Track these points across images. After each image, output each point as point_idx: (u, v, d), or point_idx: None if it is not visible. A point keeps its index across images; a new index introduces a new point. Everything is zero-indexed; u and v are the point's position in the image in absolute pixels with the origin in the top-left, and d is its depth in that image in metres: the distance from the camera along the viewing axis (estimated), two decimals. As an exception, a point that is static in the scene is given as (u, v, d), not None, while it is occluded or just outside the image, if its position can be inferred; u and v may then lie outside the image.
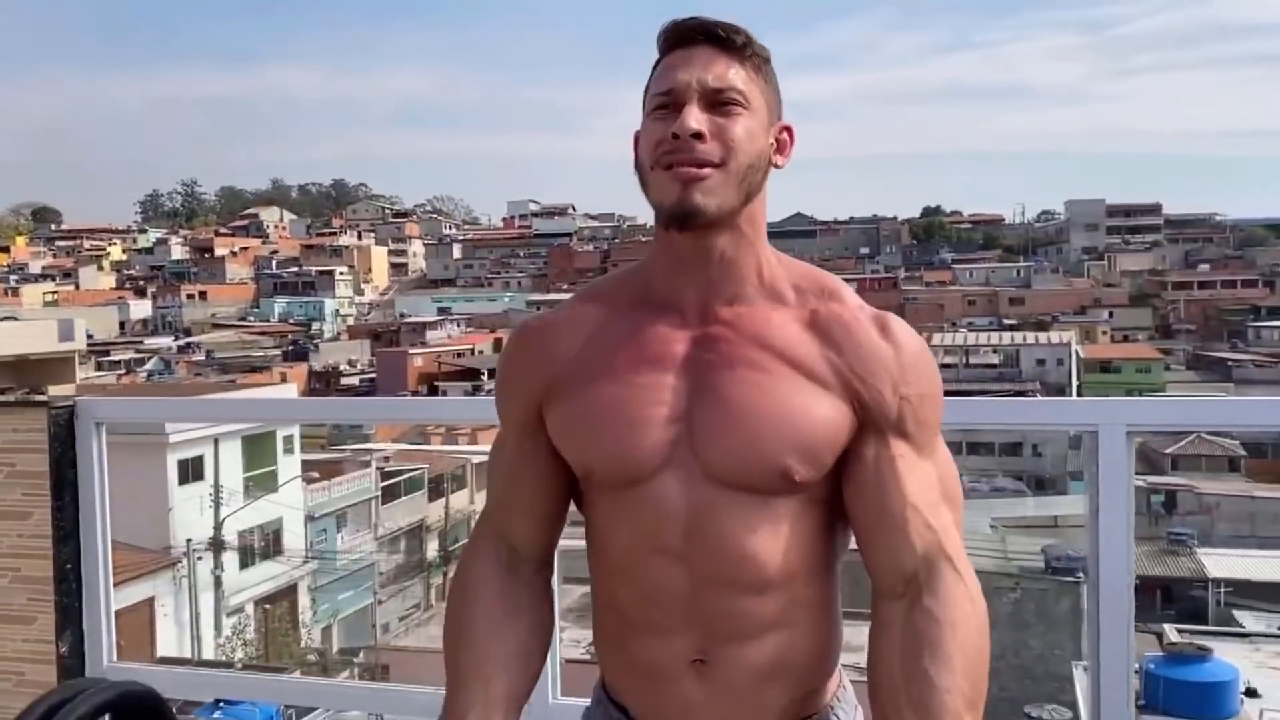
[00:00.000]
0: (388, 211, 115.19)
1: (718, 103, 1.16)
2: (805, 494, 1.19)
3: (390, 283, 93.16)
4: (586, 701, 1.40)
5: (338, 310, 76.96)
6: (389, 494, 27.95)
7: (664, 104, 1.18)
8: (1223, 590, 22.91)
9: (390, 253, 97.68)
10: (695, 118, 1.15)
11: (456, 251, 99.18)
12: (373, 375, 51.23)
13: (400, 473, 28.96)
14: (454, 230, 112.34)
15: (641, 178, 1.21)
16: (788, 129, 1.23)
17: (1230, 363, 54.88)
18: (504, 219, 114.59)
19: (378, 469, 28.16)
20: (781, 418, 1.16)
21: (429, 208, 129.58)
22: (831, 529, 1.23)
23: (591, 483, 1.24)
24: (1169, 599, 22.42)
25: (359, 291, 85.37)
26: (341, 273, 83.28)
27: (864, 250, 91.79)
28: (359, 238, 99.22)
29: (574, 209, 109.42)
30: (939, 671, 1.11)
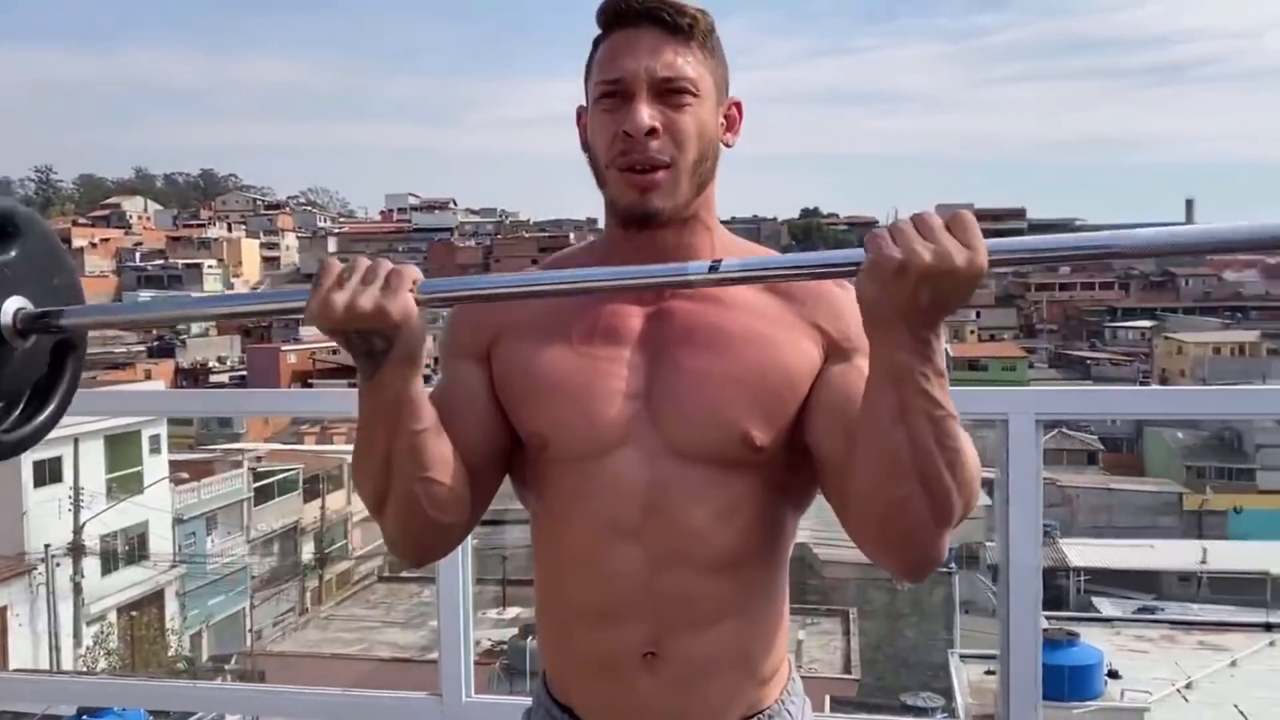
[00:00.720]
0: (259, 203, 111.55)
1: (667, 91, 1.13)
2: (763, 473, 1.16)
3: (262, 276, 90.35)
4: (500, 699, 1.33)
5: (207, 305, 74.28)
6: (262, 495, 27.17)
7: (611, 93, 1.14)
8: (1082, 578, 24.06)
9: (262, 245, 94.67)
10: (647, 114, 1.12)
11: (332, 245, 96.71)
12: (243, 372, 49.66)
13: (274, 473, 28.17)
14: (329, 223, 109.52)
15: (595, 169, 1.19)
16: (736, 104, 1.21)
17: (1089, 361, 57.88)
18: (382, 212, 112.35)
19: (250, 469, 27.33)
20: (741, 380, 1.13)
21: (303, 200, 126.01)
22: (784, 517, 1.20)
23: (545, 456, 1.18)
24: (1033, 587, 23.40)
25: (229, 285, 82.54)
26: (210, 266, 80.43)
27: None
28: (229, 230, 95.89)
29: (455, 203, 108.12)
30: (947, 463, 1.01)
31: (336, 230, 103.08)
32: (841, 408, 1.11)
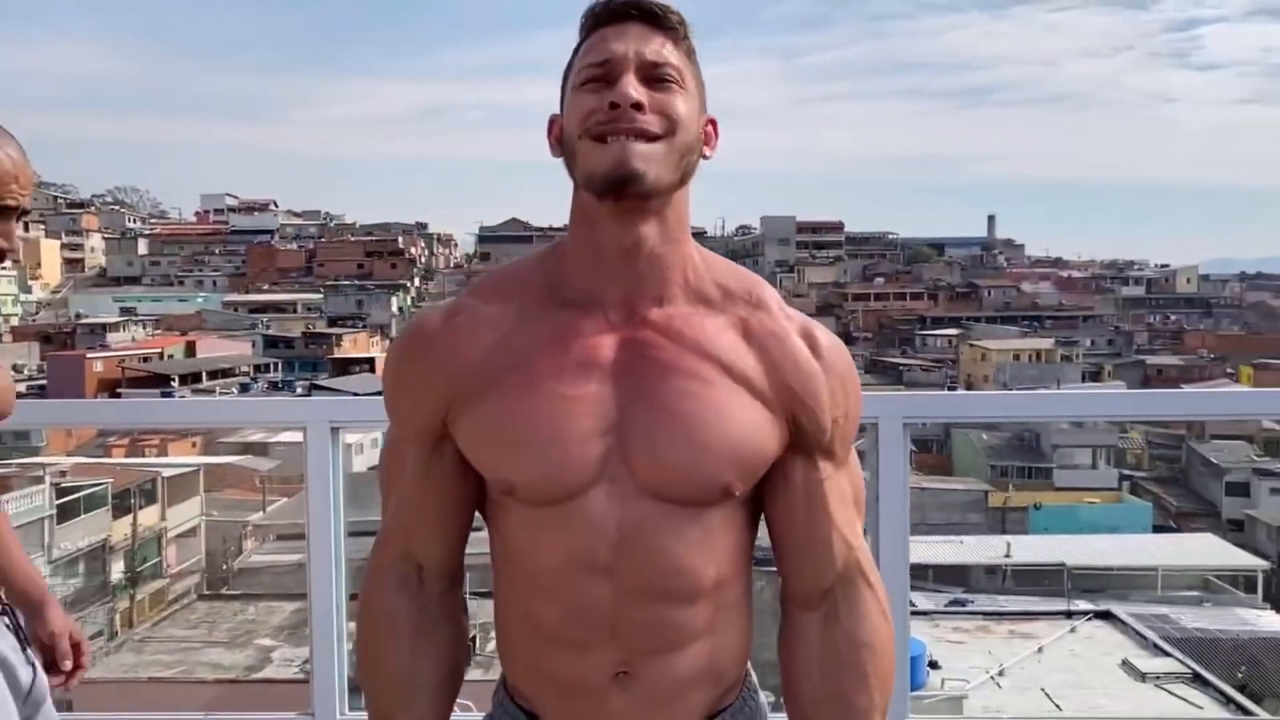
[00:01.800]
0: (61, 201, 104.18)
1: (655, 78, 1.11)
2: (733, 506, 1.17)
3: (64, 279, 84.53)
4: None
5: (-1, 309, 68.94)
6: (65, 512, 25.34)
7: (597, 76, 1.11)
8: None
9: (64, 246, 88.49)
10: (635, 87, 1.09)
11: (143, 247, 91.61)
12: (43, 382, 46.28)
13: (79, 488, 26.33)
14: (139, 224, 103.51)
15: (567, 152, 1.14)
16: (712, 121, 1.19)
17: (901, 367, 60.83)
18: (197, 213, 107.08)
19: (52, 484, 25.46)
20: (724, 431, 1.12)
21: (110, 198, 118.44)
22: (750, 528, 1.22)
23: (511, 499, 1.15)
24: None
25: (25, 289, 76.80)
26: (4, 268, 74.57)
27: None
28: (26, 229, 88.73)
29: (275, 205, 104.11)
30: (858, 693, 1.19)
31: (148, 231, 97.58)
32: (795, 509, 1.19)
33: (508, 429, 1.12)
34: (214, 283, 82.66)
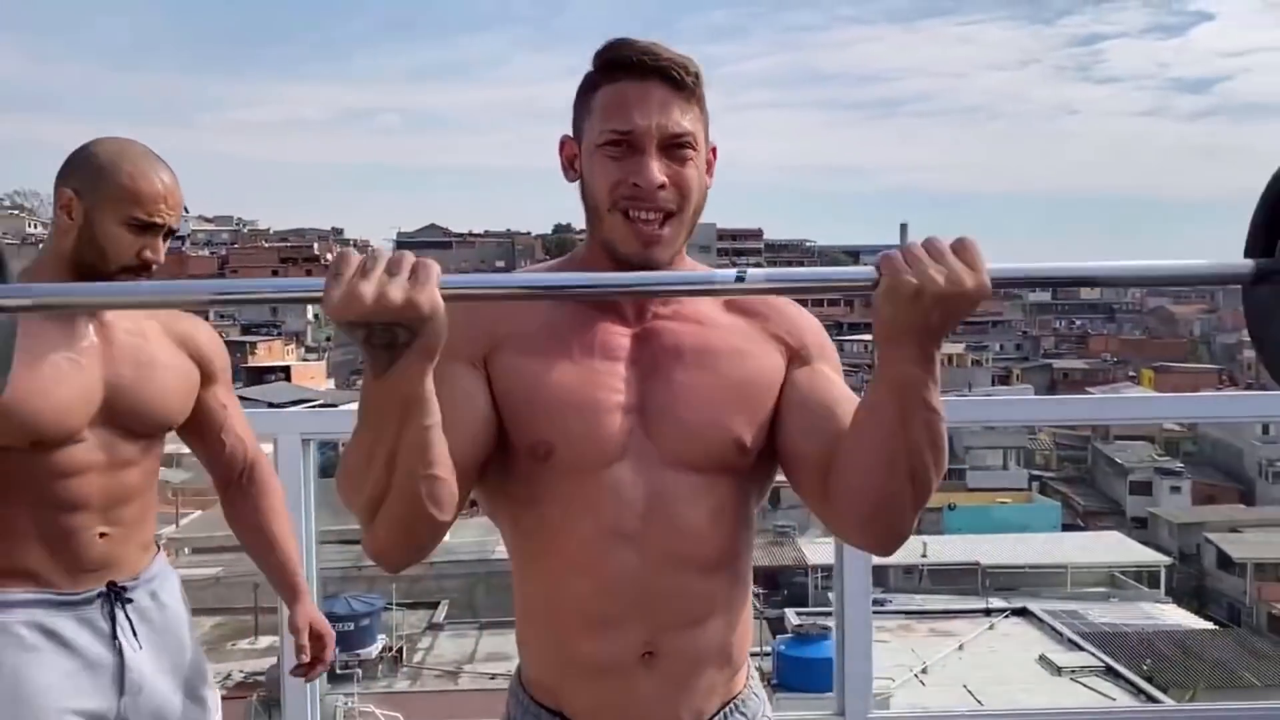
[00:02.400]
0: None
1: (674, 146, 1.20)
2: (742, 475, 1.25)
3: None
4: None
5: (-111, 317, 65.73)
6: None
7: (619, 142, 1.19)
8: (819, 575, 25.57)
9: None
10: (658, 169, 1.19)
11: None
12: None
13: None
14: (40, 229, 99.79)
15: (592, 209, 1.23)
16: (713, 149, 1.28)
17: (820, 372, 61.52)
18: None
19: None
20: (729, 387, 1.23)
21: (8, 203, 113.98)
22: (753, 513, 1.30)
23: (546, 465, 1.20)
24: (775, 585, 24.64)
25: (-82, 296, 73.36)
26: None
27: (499, 263, 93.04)
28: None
29: (187, 210, 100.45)
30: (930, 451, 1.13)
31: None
32: (810, 407, 1.24)
33: (547, 393, 1.20)
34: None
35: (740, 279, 1.05)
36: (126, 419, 1.66)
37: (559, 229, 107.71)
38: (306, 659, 1.86)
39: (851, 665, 2.27)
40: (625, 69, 1.21)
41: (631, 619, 1.21)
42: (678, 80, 1.21)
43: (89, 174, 1.62)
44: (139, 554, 1.72)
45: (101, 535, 1.65)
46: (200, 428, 1.82)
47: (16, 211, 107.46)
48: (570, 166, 1.27)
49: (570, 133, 1.27)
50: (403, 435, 1.04)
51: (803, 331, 1.30)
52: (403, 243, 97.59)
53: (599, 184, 1.22)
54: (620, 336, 1.24)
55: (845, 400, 1.24)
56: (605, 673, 1.22)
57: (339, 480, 1.12)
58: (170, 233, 1.67)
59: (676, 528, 1.21)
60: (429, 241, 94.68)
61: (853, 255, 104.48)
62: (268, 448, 2.26)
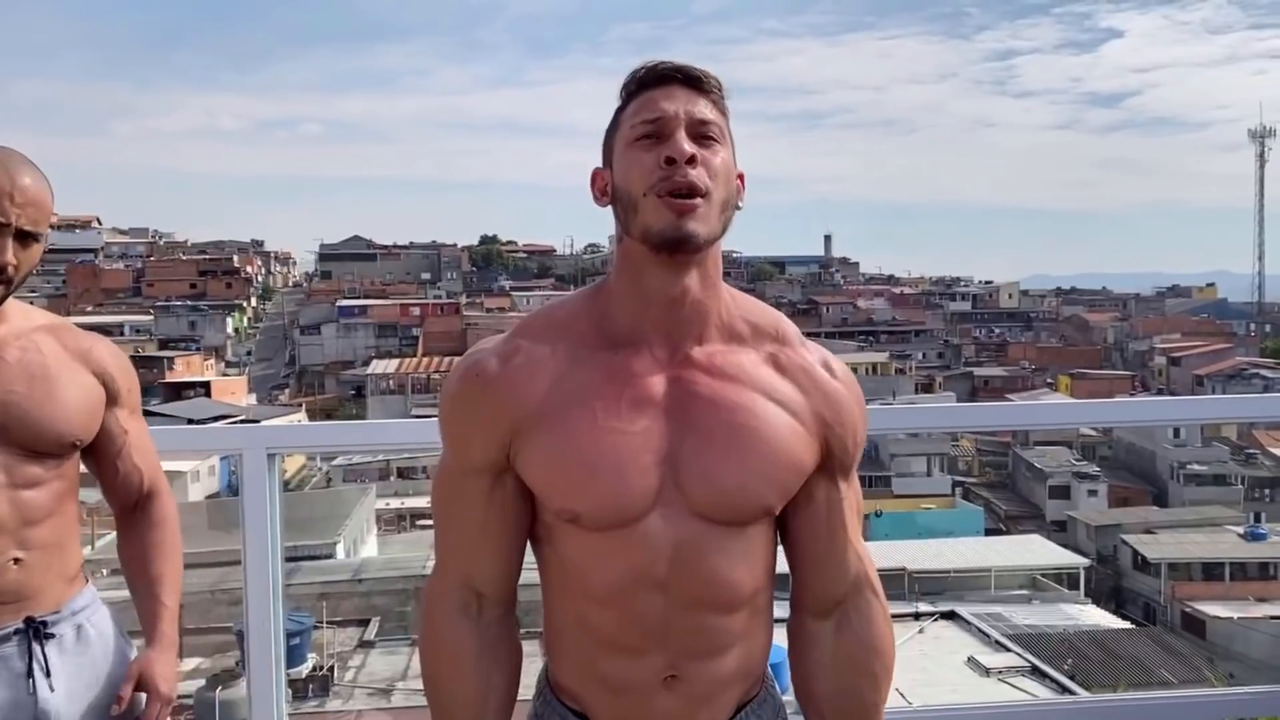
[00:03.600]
0: None
1: (700, 135, 1.22)
2: (767, 522, 1.30)
3: None
4: None
5: None
6: None
7: (650, 133, 1.22)
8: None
9: None
10: (686, 142, 1.20)
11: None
12: None
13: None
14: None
15: (626, 205, 1.24)
16: (741, 175, 1.29)
17: (748, 382, 61.96)
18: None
19: None
20: (767, 456, 1.24)
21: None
22: (774, 543, 1.34)
23: (574, 525, 1.24)
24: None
25: None
26: None
27: (425, 275, 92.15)
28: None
29: (99, 222, 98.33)
30: (869, 690, 1.36)
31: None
32: (818, 525, 1.33)
33: (573, 462, 1.21)
34: (30, 304, 77.32)
35: None
36: (24, 436, 1.57)
37: (485, 240, 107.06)
38: (119, 710, 1.62)
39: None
40: (649, 83, 1.25)
41: (654, 650, 1.25)
42: (700, 81, 1.25)
43: None
44: (61, 585, 1.63)
45: (15, 561, 1.56)
46: (97, 451, 1.72)
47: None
48: (602, 194, 1.28)
49: (600, 165, 1.30)
50: None
51: (843, 426, 1.30)
52: (325, 254, 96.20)
53: (632, 174, 1.22)
54: (651, 385, 1.24)
55: (847, 536, 1.34)
56: (629, 690, 1.27)
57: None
58: (28, 236, 1.56)
59: (702, 575, 1.24)
60: (353, 253, 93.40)
61: (778, 266, 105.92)
62: (210, 483, 2.20)
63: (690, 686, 1.26)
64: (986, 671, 13.62)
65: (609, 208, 1.28)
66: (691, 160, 1.20)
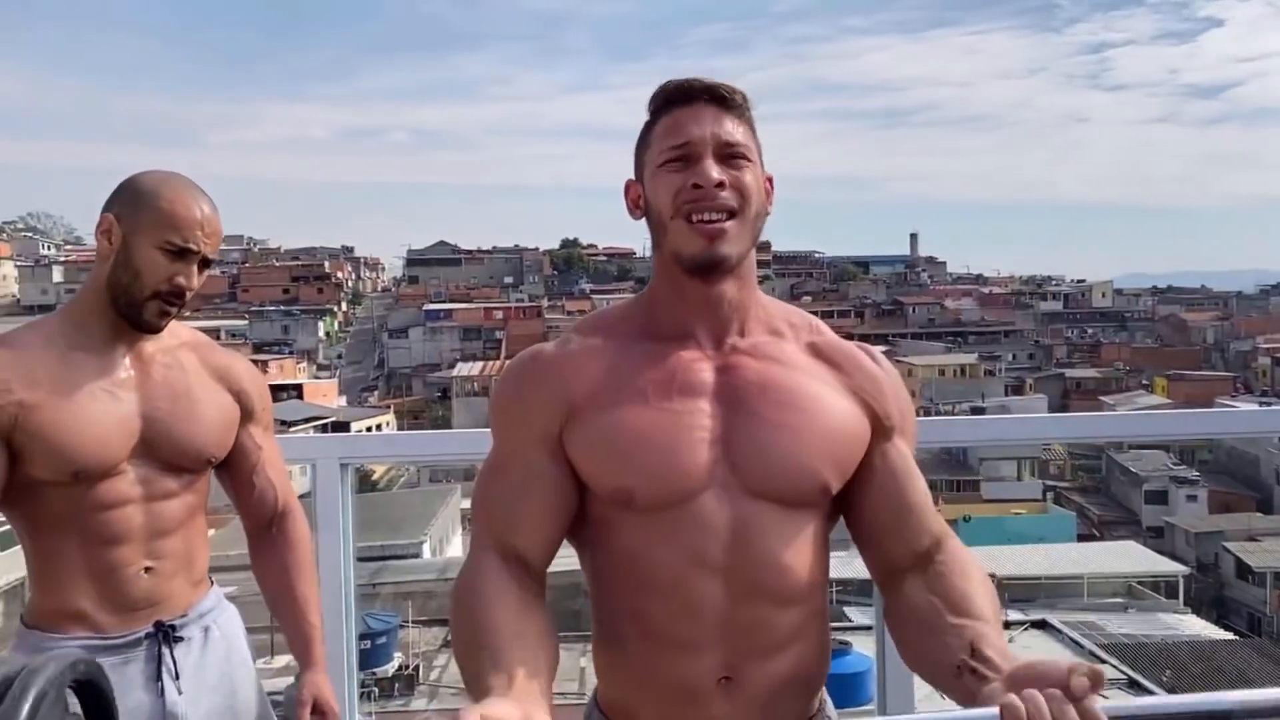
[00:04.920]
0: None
1: (728, 156, 1.24)
2: (821, 509, 1.27)
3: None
4: None
5: (-96, 340, 66.23)
6: (8, 539, 24.47)
7: (678, 156, 1.24)
8: (834, 589, 25.46)
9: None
10: (714, 168, 1.23)
11: (57, 274, 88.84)
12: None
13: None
14: (54, 251, 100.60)
15: (657, 225, 1.27)
16: (769, 178, 1.31)
17: (832, 384, 61.42)
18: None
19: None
20: (819, 433, 1.25)
21: (21, 225, 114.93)
22: (827, 540, 1.31)
23: (627, 505, 1.23)
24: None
25: (-68, 318, 74.00)
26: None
27: (508, 279, 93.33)
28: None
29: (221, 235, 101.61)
30: (972, 587, 1.20)
31: (62, 259, 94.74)
32: (887, 486, 1.29)
33: (625, 440, 1.22)
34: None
35: None
36: (165, 452, 1.64)
37: (566, 243, 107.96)
38: None
39: (894, 677, 2.24)
40: (676, 101, 1.27)
41: (711, 645, 1.22)
42: (726, 99, 1.26)
43: (129, 200, 1.62)
44: (188, 589, 1.68)
45: (146, 570, 1.62)
46: (232, 467, 1.77)
47: (30, 234, 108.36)
48: (635, 206, 1.31)
49: (633, 177, 1.32)
50: None
51: (885, 398, 1.31)
52: (413, 259, 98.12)
53: (662, 198, 1.25)
54: (701, 370, 1.26)
55: (918, 489, 1.30)
56: (682, 696, 1.23)
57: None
58: (206, 262, 1.66)
59: (759, 559, 1.22)
60: (438, 258, 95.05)
61: (862, 266, 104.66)
62: (302, 481, 2.24)
63: (746, 691, 1.23)
64: (1079, 683, 13.27)
65: (643, 220, 1.31)
66: (720, 185, 1.22)
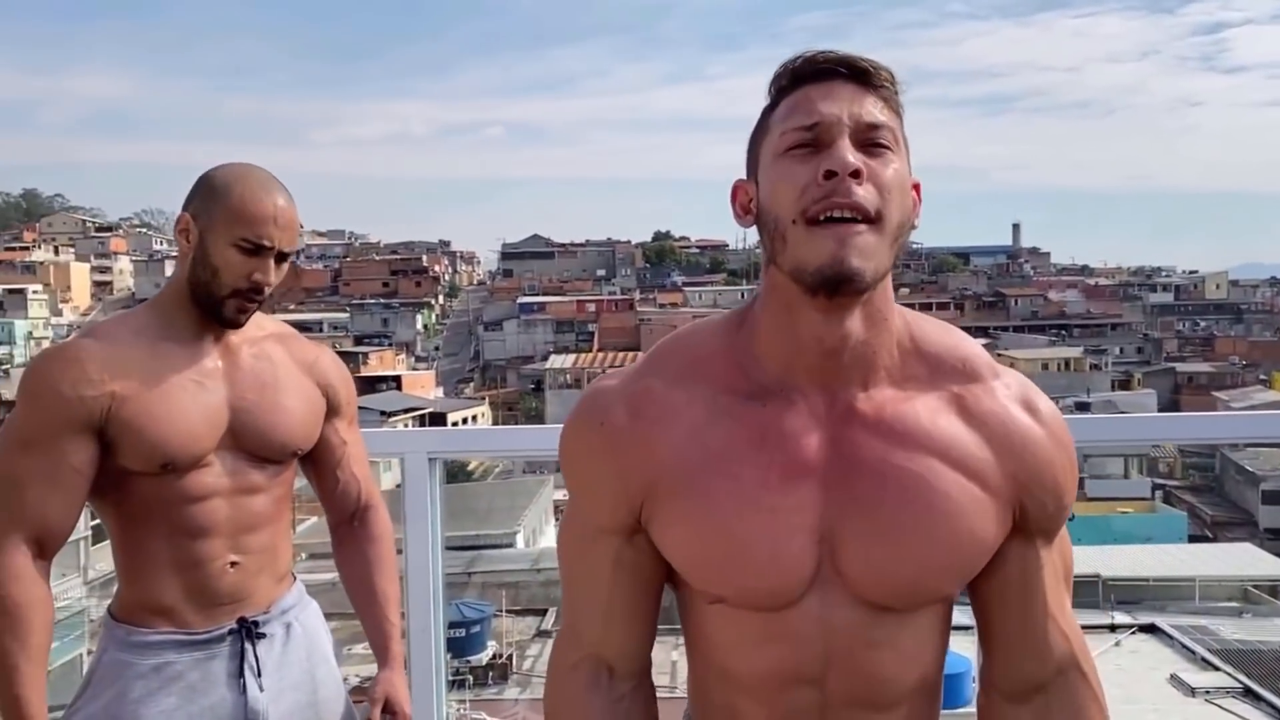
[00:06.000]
0: (89, 225, 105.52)
1: (869, 142, 1.01)
2: (941, 610, 1.13)
3: (93, 302, 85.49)
4: None
5: (30, 333, 69.71)
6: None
7: (805, 141, 1.01)
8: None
9: (93, 270, 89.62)
10: (852, 153, 0.99)
11: (170, 268, 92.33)
12: None
13: (114, 509, 26.51)
14: (166, 245, 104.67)
15: (773, 233, 1.03)
16: (916, 185, 1.07)
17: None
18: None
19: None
20: (944, 541, 1.05)
21: (137, 221, 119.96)
22: (949, 621, 1.16)
23: (718, 607, 1.10)
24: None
25: (56, 312, 77.74)
26: (35, 291, 75.50)
27: (601, 272, 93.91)
28: (55, 253, 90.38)
29: (301, 225, 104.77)
30: None
31: (174, 253, 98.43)
32: (1007, 597, 1.12)
33: (718, 541, 1.05)
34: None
35: None
36: (252, 443, 1.63)
37: (658, 236, 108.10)
38: None
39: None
40: (810, 74, 1.03)
41: None
42: (869, 74, 1.03)
43: (205, 198, 1.61)
44: (272, 585, 1.68)
45: (232, 564, 1.62)
46: (316, 460, 1.77)
47: (144, 229, 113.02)
48: (745, 211, 1.08)
49: (744, 177, 1.10)
50: None
51: (1044, 491, 1.09)
52: (507, 253, 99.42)
53: (781, 195, 1.01)
54: (807, 447, 1.05)
55: (1047, 604, 1.13)
56: None
57: None
58: (283, 256, 1.63)
59: (863, 670, 1.08)
60: (532, 252, 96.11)
61: (962, 257, 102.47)
62: (386, 479, 2.22)
63: None
64: (1192, 691, 12.71)
65: (754, 227, 1.08)
66: (857, 174, 0.98)
